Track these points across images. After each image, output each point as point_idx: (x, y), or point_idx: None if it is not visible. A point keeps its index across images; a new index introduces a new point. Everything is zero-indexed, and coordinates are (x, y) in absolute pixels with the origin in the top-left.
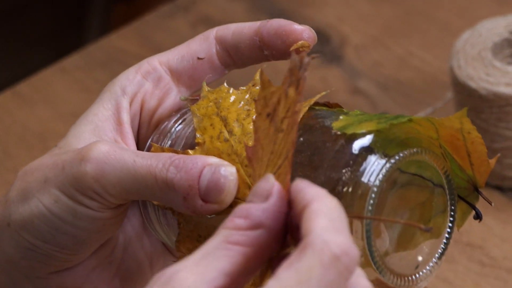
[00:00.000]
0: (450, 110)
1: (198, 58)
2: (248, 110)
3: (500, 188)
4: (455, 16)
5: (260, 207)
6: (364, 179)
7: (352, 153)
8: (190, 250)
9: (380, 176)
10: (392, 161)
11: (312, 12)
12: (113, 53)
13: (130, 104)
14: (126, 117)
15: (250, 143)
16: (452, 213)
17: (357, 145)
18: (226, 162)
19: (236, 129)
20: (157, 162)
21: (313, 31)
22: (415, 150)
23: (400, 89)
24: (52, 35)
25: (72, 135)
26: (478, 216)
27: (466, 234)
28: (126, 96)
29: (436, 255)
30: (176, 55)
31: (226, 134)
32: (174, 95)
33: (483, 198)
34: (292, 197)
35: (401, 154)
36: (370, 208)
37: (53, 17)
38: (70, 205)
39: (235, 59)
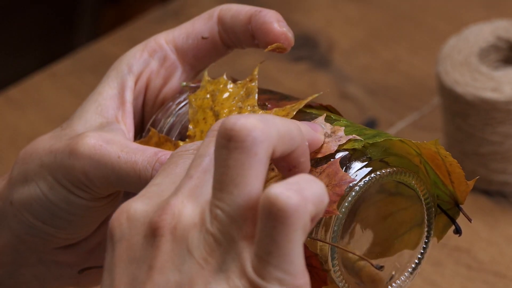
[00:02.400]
0: (437, 114)
1: (203, 38)
2: (240, 107)
3: (487, 192)
4: (442, 21)
5: None
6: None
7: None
8: None
9: (353, 192)
10: (367, 179)
11: (301, 17)
12: (103, 58)
13: (136, 82)
14: (129, 96)
15: None
16: (428, 229)
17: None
18: None
19: None
20: (142, 159)
21: (292, 35)
22: (395, 169)
23: (388, 93)
24: (42, 39)
25: (76, 116)
26: (457, 231)
27: (453, 238)
28: (132, 74)
29: (409, 269)
30: (182, 34)
31: None
32: (179, 74)
33: (464, 214)
34: None
35: (378, 173)
36: (343, 210)
37: (43, 21)
38: (64, 194)
39: (234, 41)
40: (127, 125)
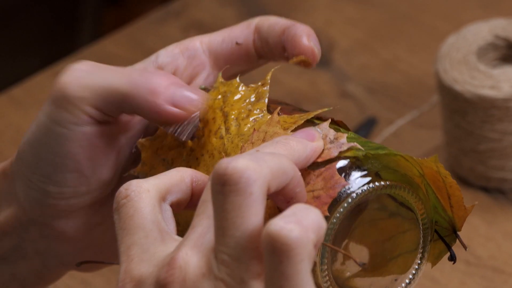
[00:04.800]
0: (436, 112)
1: (237, 43)
2: (249, 110)
3: (485, 189)
4: (440, 20)
5: None
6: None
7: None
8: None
9: (349, 199)
10: (366, 187)
11: (301, 17)
12: (105, 58)
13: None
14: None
15: (240, 145)
16: (422, 252)
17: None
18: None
19: (233, 127)
20: (133, 71)
21: (318, 51)
22: (394, 183)
23: (387, 92)
24: (44, 39)
25: None
26: (452, 258)
27: None
28: (155, 63)
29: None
30: (218, 37)
31: (223, 131)
32: (205, 75)
33: (460, 242)
34: None
35: (376, 184)
36: (337, 215)
37: (46, 22)
38: (47, 124)
39: (266, 51)
40: None
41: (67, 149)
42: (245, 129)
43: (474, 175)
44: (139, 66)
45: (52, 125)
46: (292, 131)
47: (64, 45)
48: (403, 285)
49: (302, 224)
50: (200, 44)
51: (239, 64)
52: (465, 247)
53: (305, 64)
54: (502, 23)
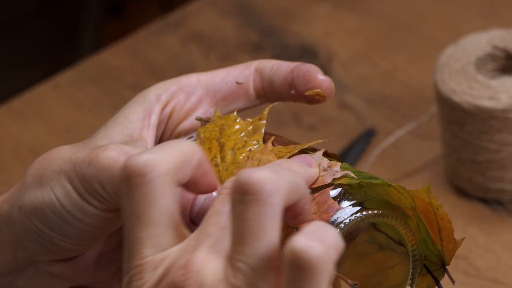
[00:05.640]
0: (435, 123)
1: (237, 83)
2: (245, 141)
3: (484, 200)
4: (439, 31)
5: None
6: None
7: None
8: None
9: (342, 225)
10: (358, 215)
11: (300, 28)
12: (105, 69)
13: (162, 110)
14: (154, 121)
15: (234, 172)
16: (410, 285)
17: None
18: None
19: (228, 156)
20: None
21: (333, 85)
22: (386, 212)
23: (386, 103)
24: (46, 52)
25: (101, 136)
26: None
27: None
28: (160, 102)
29: None
30: (215, 76)
31: (218, 159)
32: (202, 112)
33: (448, 276)
34: None
35: (369, 212)
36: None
37: (47, 34)
38: (79, 202)
39: (267, 91)
40: (150, 146)
41: (90, 222)
42: (240, 158)
43: (473, 186)
44: (138, 109)
45: (83, 203)
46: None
47: (65, 57)
48: None
49: (324, 242)
50: (197, 82)
51: (237, 103)
52: (453, 282)
53: (319, 97)
54: (500, 34)
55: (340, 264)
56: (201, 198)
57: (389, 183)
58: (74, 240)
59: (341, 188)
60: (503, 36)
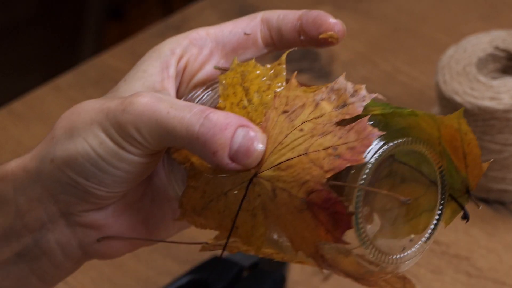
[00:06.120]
0: None
1: (245, 34)
2: (269, 84)
3: (486, 201)
4: (440, 32)
5: None
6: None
7: None
8: (193, 207)
9: (377, 155)
10: (390, 144)
11: None
12: (105, 71)
13: (177, 63)
14: (172, 72)
15: (264, 111)
16: (441, 207)
17: None
18: (257, 128)
19: (255, 99)
20: (190, 115)
21: (345, 27)
22: (412, 139)
23: None
24: (47, 55)
25: (123, 90)
26: (465, 217)
27: (453, 246)
28: (175, 56)
29: (416, 246)
30: (223, 28)
31: (245, 102)
32: (214, 63)
33: (473, 200)
34: None
35: (399, 140)
36: (364, 176)
37: (49, 37)
38: (114, 149)
39: (275, 40)
40: (173, 96)
41: (126, 168)
42: (268, 98)
43: None
44: (155, 63)
45: (119, 150)
46: (312, 92)
47: (66, 61)
48: (419, 244)
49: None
50: (206, 35)
51: (246, 53)
52: (478, 206)
53: (332, 39)
54: (502, 34)
55: (369, 200)
56: (239, 136)
57: (416, 112)
58: (109, 187)
59: (373, 122)
60: (504, 37)
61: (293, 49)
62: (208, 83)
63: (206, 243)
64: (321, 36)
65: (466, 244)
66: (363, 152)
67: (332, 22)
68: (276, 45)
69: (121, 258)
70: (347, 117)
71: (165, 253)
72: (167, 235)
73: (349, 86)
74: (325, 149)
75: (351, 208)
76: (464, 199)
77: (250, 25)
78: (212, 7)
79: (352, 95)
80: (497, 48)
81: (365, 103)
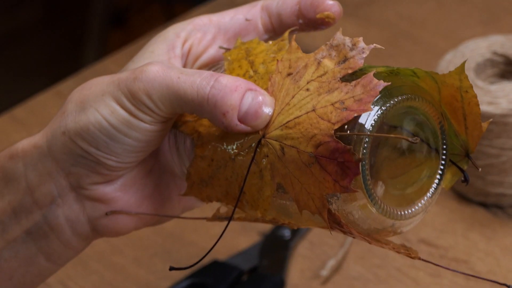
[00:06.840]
0: None
1: (246, 19)
2: (274, 56)
3: (484, 205)
4: (439, 38)
5: None
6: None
7: None
8: (200, 177)
9: (384, 107)
10: (396, 99)
11: (301, 35)
12: None
13: (182, 45)
14: (178, 52)
15: (268, 77)
16: (442, 167)
17: None
18: (264, 91)
19: (261, 69)
20: (200, 79)
21: (341, 8)
22: (416, 95)
23: None
24: (49, 61)
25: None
26: (465, 179)
27: (451, 250)
28: (180, 39)
29: (419, 204)
30: (226, 15)
31: (251, 72)
32: (217, 47)
33: (472, 163)
34: None
35: (404, 96)
36: (372, 123)
37: (51, 44)
38: (125, 117)
39: (275, 26)
40: None
41: (137, 136)
42: (273, 68)
43: (473, 191)
44: (161, 45)
45: (130, 118)
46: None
47: (69, 67)
48: (419, 205)
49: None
50: (209, 21)
51: (247, 38)
52: (477, 168)
53: (329, 19)
54: (500, 39)
55: (370, 170)
56: (248, 98)
57: (417, 73)
58: (120, 157)
59: (380, 77)
60: (502, 42)
61: (295, 28)
62: (210, 65)
63: (214, 215)
64: (318, 15)
65: (465, 248)
66: (370, 102)
67: (330, 3)
68: (276, 30)
69: (121, 263)
70: (349, 71)
71: (166, 257)
72: (172, 212)
73: (347, 41)
74: (332, 104)
75: (359, 155)
76: (464, 162)
77: (251, 12)
78: (213, 12)
79: (352, 49)
80: (495, 53)
81: (364, 55)
